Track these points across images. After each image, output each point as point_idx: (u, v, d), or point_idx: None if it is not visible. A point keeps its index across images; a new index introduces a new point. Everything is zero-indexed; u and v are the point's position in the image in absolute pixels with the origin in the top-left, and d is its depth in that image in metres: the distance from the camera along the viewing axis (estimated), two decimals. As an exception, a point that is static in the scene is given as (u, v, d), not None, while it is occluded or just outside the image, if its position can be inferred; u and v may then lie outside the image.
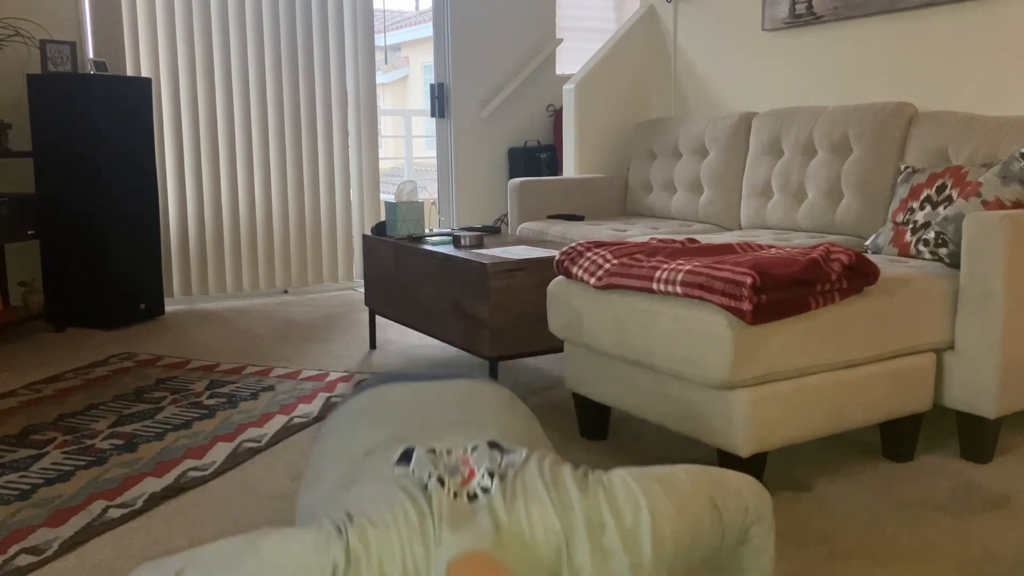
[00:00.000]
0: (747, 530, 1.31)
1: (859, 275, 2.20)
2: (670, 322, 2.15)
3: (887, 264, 2.57)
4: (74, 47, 4.34)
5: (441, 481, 1.14)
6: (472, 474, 1.16)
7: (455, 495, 1.12)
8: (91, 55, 4.66)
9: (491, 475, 1.16)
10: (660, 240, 2.60)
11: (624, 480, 1.19)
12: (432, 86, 5.70)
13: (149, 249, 4.50)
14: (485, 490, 1.14)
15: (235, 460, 2.52)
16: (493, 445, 1.21)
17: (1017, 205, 2.51)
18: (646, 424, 2.81)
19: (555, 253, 3.11)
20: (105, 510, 2.18)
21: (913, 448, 2.44)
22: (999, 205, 2.51)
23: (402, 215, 3.59)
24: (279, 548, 1.04)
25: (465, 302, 3.04)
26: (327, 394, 3.18)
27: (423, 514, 1.09)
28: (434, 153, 5.98)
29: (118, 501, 2.24)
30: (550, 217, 4.39)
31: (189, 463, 2.50)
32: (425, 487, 1.13)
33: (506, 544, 1.09)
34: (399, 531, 1.07)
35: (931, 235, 2.64)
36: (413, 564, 1.05)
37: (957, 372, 2.42)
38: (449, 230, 3.87)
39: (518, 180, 4.45)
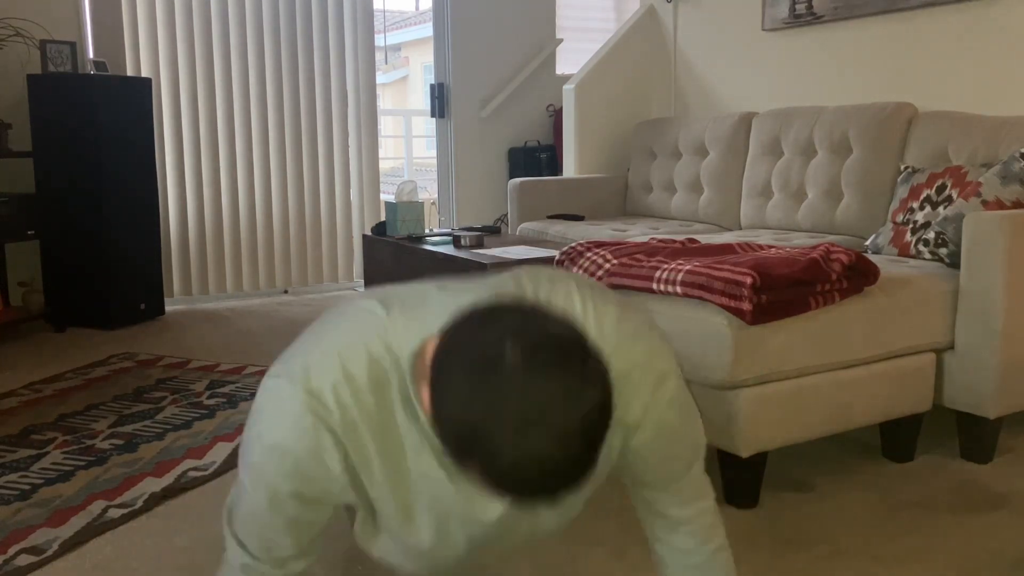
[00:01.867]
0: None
1: (859, 275, 2.20)
2: (670, 322, 2.15)
3: (887, 264, 2.57)
4: (74, 47, 4.34)
5: None
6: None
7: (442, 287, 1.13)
8: (91, 55, 4.66)
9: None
10: (660, 240, 2.60)
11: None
12: (432, 86, 5.70)
13: (149, 249, 4.50)
14: None
15: (235, 460, 2.52)
16: None
17: (1017, 205, 2.51)
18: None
19: (555, 253, 3.11)
20: (105, 510, 2.18)
21: (913, 448, 2.44)
22: (999, 205, 2.51)
23: (402, 215, 3.59)
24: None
25: (465, 302, 3.04)
26: (327, 394, 3.17)
27: (387, 301, 1.09)
28: (434, 153, 5.98)
29: (118, 501, 2.24)
30: (550, 217, 4.39)
31: (189, 463, 2.50)
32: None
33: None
34: (352, 315, 1.08)
35: (931, 235, 2.64)
36: (375, 335, 1.05)
37: (957, 372, 2.42)
38: (449, 230, 3.87)
39: (518, 180, 4.45)
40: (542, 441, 0.83)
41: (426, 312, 1.06)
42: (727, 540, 1.31)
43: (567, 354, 0.86)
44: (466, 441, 0.86)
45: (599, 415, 0.87)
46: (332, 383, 1.03)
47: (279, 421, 1.04)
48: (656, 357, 1.15)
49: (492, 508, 1.09)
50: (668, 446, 1.19)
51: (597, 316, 1.12)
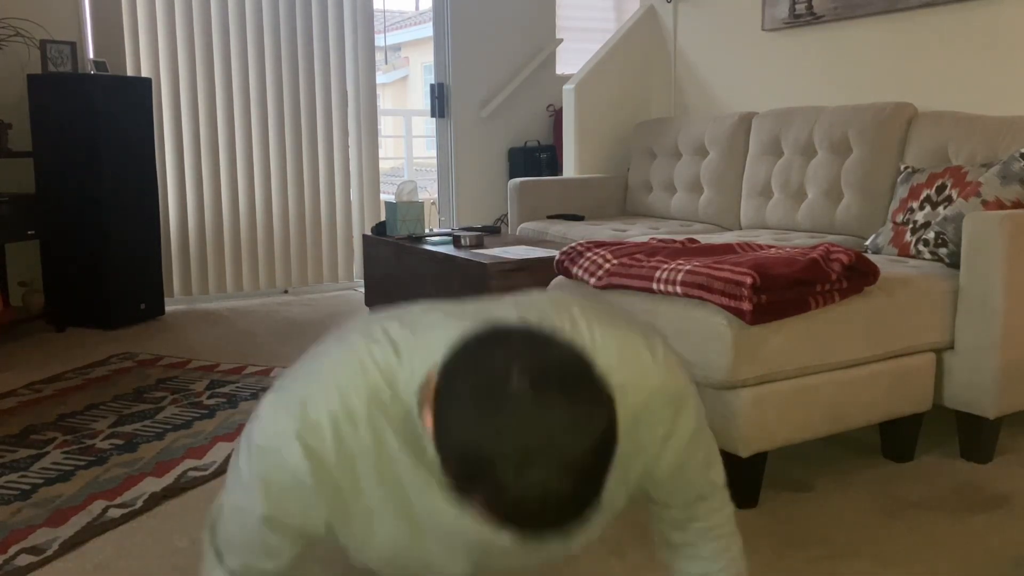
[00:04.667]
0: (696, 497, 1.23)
1: (859, 275, 2.20)
2: (670, 322, 2.15)
3: (887, 264, 2.57)
4: (74, 47, 4.34)
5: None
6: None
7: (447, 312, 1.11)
8: (91, 55, 4.66)
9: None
10: (660, 240, 2.60)
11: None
12: (432, 86, 5.70)
13: (149, 249, 4.50)
14: None
15: (235, 460, 2.52)
16: None
17: (1017, 205, 2.51)
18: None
19: (555, 253, 3.11)
20: (105, 510, 2.18)
21: (913, 448, 2.44)
22: (999, 205, 2.51)
23: (402, 215, 3.59)
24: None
25: (465, 302, 3.04)
26: (327, 394, 3.17)
27: (388, 323, 1.08)
28: (434, 153, 5.98)
29: (118, 501, 2.24)
30: (550, 217, 4.39)
31: (189, 463, 2.50)
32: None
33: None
34: (352, 343, 1.06)
35: (931, 235, 2.64)
36: (376, 366, 1.03)
37: (957, 372, 2.42)
38: (449, 230, 3.87)
39: (518, 180, 4.45)
40: (547, 473, 0.82)
41: (428, 341, 1.04)
42: (742, 548, 1.31)
43: (573, 383, 0.85)
44: (470, 471, 0.83)
45: (604, 447, 0.85)
46: (330, 416, 1.01)
47: (271, 450, 1.02)
48: (672, 382, 1.12)
49: (502, 538, 1.07)
50: (691, 472, 1.18)
51: (604, 344, 1.09)
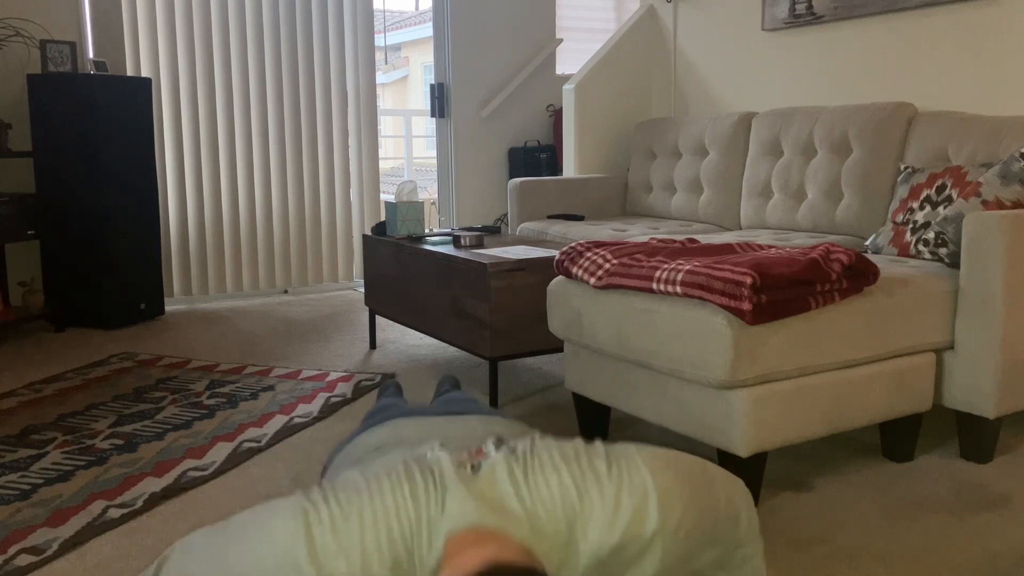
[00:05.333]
0: (736, 547, 1.20)
1: (859, 275, 2.20)
2: (670, 322, 2.15)
3: (887, 264, 2.57)
4: (74, 47, 4.34)
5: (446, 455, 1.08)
6: (480, 452, 1.11)
7: (460, 466, 1.07)
8: (91, 55, 4.66)
9: (497, 445, 1.11)
10: (660, 240, 2.60)
11: (631, 456, 1.13)
12: (432, 86, 5.70)
13: (149, 249, 4.50)
14: (488, 454, 1.08)
15: (235, 460, 2.52)
16: (500, 439, 1.18)
17: (1017, 205, 2.51)
18: (646, 424, 2.81)
19: (555, 253, 3.11)
20: (105, 510, 2.18)
21: (913, 448, 2.44)
22: (999, 205, 2.51)
23: (402, 215, 3.59)
24: (254, 535, 1.01)
25: (465, 302, 3.04)
26: (327, 394, 3.18)
27: (415, 479, 1.03)
28: (434, 153, 5.98)
29: (118, 501, 2.24)
30: (550, 217, 4.39)
31: (189, 463, 2.50)
32: (425, 457, 1.08)
33: (515, 513, 1.03)
34: (380, 499, 1.01)
35: (931, 235, 2.64)
36: (400, 531, 1.00)
37: (957, 372, 2.42)
38: (449, 230, 3.87)
39: (518, 180, 4.45)
40: None
41: (357, 527, 1.00)
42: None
43: None
44: None
45: None
46: None
47: None
48: (637, 527, 1.07)
49: None
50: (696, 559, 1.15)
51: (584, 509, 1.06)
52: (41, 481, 2.38)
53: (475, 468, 1.07)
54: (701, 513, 1.12)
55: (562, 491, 1.06)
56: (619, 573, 1.08)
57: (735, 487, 1.21)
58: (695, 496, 1.11)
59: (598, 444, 1.16)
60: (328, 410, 2.99)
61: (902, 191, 2.93)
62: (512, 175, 5.75)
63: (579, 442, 1.15)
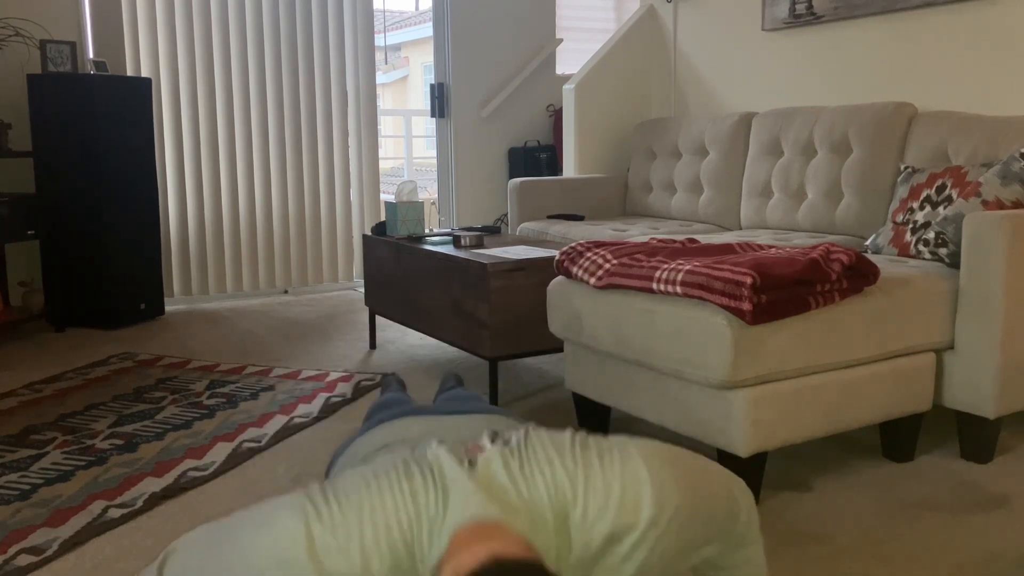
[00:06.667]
0: (737, 547, 1.19)
1: (859, 275, 2.20)
2: (670, 322, 2.15)
3: (887, 264, 2.57)
4: (74, 47, 4.34)
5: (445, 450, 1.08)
6: (477, 446, 1.11)
7: (459, 461, 1.06)
8: (91, 55, 4.66)
9: (492, 439, 1.11)
10: (660, 240, 2.60)
11: (626, 446, 1.12)
12: (432, 86, 5.70)
13: (149, 249, 4.50)
14: (485, 448, 1.08)
15: (235, 460, 2.52)
16: (495, 433, 1.17)
17: (1017, 205, 2.51)
18: (646, 424, 2.81)
19: (555, 253, 3.11)
20: (105, 510, 2.18)
21: (913, 448, 2.44)
22: (999, 205, 2.51)
23: (402, 215, 3.59)
24: (253, 533, 1.00)
25: (465, 302, 3.04)
26: (327, 394, 3.18)
27: (414, 477, 1.04)
28: (434, 153, 5.98)
29: (118, 501, 2.24)
30: (550, 217, 4.39)
31: (189, 463, 2.50)
32: (425, 454, 1.08)
33: (514, 506, 1.03)
34: (380, 498, 1.01)
35: (931, 235, 2.64)
36: (399, 530, 1.00)
37: (957, 372, 2.42)
38: (449, 230, 3.87)
39: (518, 180, 4.45)
40: None
41: (357, 525, 1.00)
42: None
43: None
44: None
45: None
46: None
47: None
48: (631, 515, 1.07)
49: None
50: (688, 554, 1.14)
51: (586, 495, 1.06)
52: (41, 481, 2.38)
53: (472, 463, 1.07)
54: (698, 505, 1.10)
55: (556, 481, 1.05)
56: (613, 565, 1.07)
57: (735, 483, 1.20)
58: (692, 487, 1.10)
59: (592, 435, 1.15)
60: (328, 410, 2.99)
61: (902, 191, 2.93)
62: (512, 175, 5.75)
63: (572, 432, 1.14)
